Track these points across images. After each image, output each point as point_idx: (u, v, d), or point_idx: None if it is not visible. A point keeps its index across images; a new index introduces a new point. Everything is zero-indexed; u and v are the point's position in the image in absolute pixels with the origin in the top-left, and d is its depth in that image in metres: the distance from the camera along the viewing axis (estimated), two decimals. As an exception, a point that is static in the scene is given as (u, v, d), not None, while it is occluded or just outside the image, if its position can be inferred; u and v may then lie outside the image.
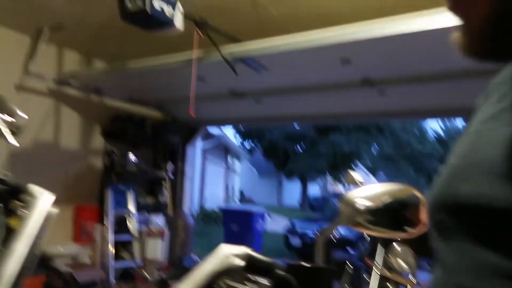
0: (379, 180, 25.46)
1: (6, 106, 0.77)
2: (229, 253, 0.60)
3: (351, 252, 3.79)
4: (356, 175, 2.14)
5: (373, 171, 24.11)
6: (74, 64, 4.51)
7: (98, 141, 4.95)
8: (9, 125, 0.76)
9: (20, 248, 0.73)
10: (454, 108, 3.51)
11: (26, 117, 0.79)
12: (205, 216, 10.52)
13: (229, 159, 14.64)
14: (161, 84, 3.82)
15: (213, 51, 2.61)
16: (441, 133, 22.69)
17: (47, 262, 3.71)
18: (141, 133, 4.89)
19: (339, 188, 22.96)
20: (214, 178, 12.64)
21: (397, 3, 2.50)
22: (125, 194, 4.76)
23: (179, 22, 2.07)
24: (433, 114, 4.05)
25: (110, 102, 4.81)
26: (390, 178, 23.08)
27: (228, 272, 0.60)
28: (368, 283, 1.91)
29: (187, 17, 2.15)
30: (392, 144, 20.14)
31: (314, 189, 22.80)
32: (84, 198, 4.83)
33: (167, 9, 1.95)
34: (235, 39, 2.70)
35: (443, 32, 1.98)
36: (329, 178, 22.29)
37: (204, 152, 10.35)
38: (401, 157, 20.74)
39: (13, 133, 0.78)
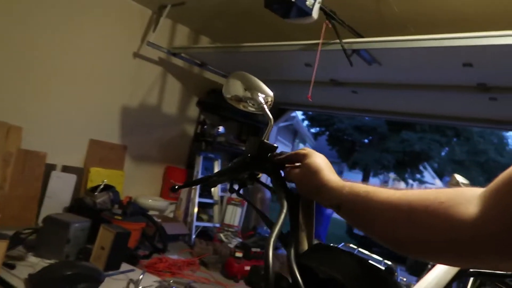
0: (445, 184, 24.28)
1: (259, 86, 0.98)
2: None
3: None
4: (461, 178, 2.17)
5: (440, 174, 23.01)
6: (183, 38, 4.89)
7: (193, 110, 5.36)
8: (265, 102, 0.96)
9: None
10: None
11: (271, 94, 0.98)
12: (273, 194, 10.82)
13: (296, 141, 14.81)
14: (262, 66, 4.04)
15: (332, 42, 2.75)
16: (524, 145, 20.95)
17: (145, 211, 4.19)
18: (233, 108, 5.19)
19: (401, 185, 22.26)
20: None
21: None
22: (213, 162, 5.14)
23: (315, 12, 2.24)
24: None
25: (210, 76, 5.17)
26: (458, 184, 21.82)
27: None
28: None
29: (321, 8, 2.31)
30: (466, 150, 19.03)
31: (374, 183, 22.31)
32: (175, 160, 5.30)
33: (309, 0, 2.13)
34: (356, 33, 2.82)
35: None
36: (392, 175, 21.70)
37: (277, 131, 10.60)
38: (474, 164, 19.52)
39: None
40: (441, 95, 3.40)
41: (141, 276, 2.90)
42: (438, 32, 2.51)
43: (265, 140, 0.87)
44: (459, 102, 3.43)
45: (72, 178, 4.30)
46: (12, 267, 2.70)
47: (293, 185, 0.81)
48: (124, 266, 3.16)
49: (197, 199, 4.75)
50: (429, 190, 0.61)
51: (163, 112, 5.07)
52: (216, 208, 4.98)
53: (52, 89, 4.04)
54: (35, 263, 2.85)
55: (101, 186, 3.96)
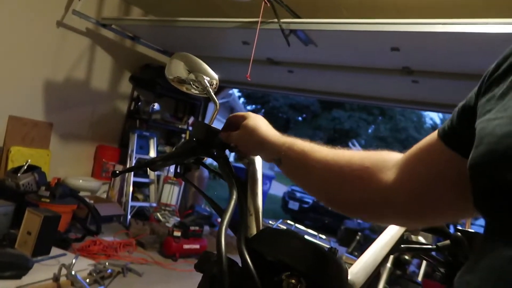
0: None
1: (204, 68, 0.96)
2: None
3: (361, 222, 4.12)
4: None
5: (365, 149, 24.64)
6: (113, 8, 4.58)
7: (126, 86, 5.11)
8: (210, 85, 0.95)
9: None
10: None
11: (217, 77, 0.97)
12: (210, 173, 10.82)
13: (232, 119, 14.86)
14: (199, 42, 3.95)
15: (270, 21, 2.77)
16: (438, 123, 23.09)
17: (75, 193, 3.98)
18: (168, 85, 5.04)
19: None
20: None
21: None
22: (148, 140, 4.99)
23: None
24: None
25: (144, 50, 4.94)
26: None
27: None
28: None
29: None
30: (390, 127, 20.50)
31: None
32: (107, 139, 5.05)
33: (248, -21, 2.11)
34: (294, 13, 2.85)
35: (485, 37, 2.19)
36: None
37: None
38: (395, 141, 21.15)
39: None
40: (370, 77, 3.61)
41: (74, 260, 2.78)
42: (369, 16, 2.63)
43: (211, 125, 0.86)
44: (385, 84, 3.67)
45: (-11, 159, 3.93)
46: None
47: (241, 169, 0.82)
48: (55, 251, 3.00)
49: (132, 179, 4.61)
50: (357, 154, 0.69)
51: (92, 87, 4.77)
52: (152, 188, 4.88)
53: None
54: (-51, 252, 2.60)
55: (25, 167, 3.67)
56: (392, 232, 0.97)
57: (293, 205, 7.36)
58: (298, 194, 7.52)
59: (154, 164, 0.90)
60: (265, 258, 0.56)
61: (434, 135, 0.57)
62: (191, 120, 5.45)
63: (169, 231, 3.81)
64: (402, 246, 0.94)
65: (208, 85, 0.92)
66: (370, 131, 21.32)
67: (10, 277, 2.44)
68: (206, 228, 4.18)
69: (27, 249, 2.83)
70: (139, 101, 5.06)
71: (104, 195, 4.84)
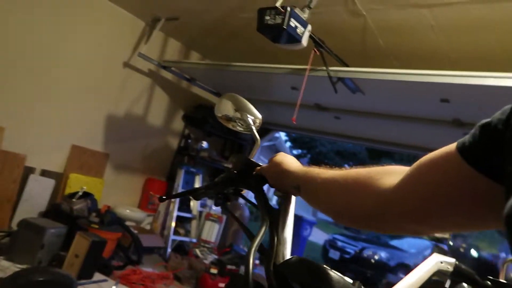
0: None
1: (249, 108, 1.05)
2: (440, 259, 0.80)
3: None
4: None
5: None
6: (174, 52, 4.97)
7: (179, 124, 5.40)
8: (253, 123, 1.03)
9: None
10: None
11: (260, 116, 1.06)
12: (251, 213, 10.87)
13: (277, 162, 14.92)
14: (250, 85, 4.14)
15: (319, 68, 2.87)
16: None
17: (122, 221, 4.15)
18: (218, 124, 5.25)
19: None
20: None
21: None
22: (194, 176, 5.16)
23: (305, 40, 2.36)
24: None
25: (198, 91, 5.24)
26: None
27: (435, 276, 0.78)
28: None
29: (311, 36, 2.42)
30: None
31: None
32: (156, 172, 5.29)
33: (300, 28, 2.24)
34: (342, 62, 2.95)
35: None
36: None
37: (260, 150, 10.70)
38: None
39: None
40: (419, 127, 3.55)
41: (114, 287, 2.87)
42: (419, 67, 2.66)
43: (250, 158, 0.93)
44: (435, 135, 3.59)
45: (50, 183, 4.24)
46: (-19, 269, 2.64)
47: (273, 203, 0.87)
48: (97, 276, 3.12)
49: (175, 213, 4.74)
50: (365, 169, 0.72)
51: (148, 123, 5.08)
52: (194, 223, 4.97)
53: (37, 91, 4.02)
54: (5, 267, 2.80)
55: (80, 193, 3.92)
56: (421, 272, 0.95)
57: (334, 255, 7.10)
58: (339, 243, 7.26)
59: (196, 192, 0.97)
60: (290, 283, 0.59)
61: (451, 147, 0.58)
62: (237, 159, 5.58)
63: (206, 267, 3.82)
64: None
65: (252, 123, 1.00)
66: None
67: (55, 296, 2.56)
68: (242, 268, 4.15)
69: (73, 271, 2.97)
70: (189, 138, 5.30)
71: (148, 227, 4.99)
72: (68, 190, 4.22)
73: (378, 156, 16.51)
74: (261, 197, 0.82)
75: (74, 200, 3.87)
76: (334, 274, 0.62)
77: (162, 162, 5.37)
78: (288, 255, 0.74)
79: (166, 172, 5.38)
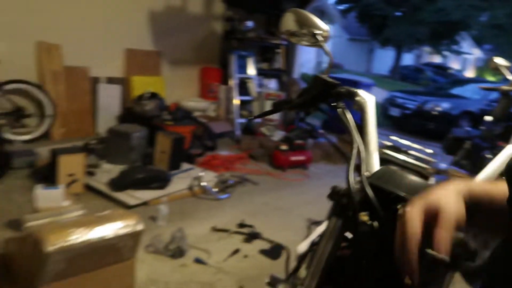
0: (485, 52, 23.13)
1: (315, 22, 1.02)
2: None
3: (470, 129, 3.93)
4: (500, 60, 2.17)
5: (479, 42, 21.73)
6: None
7: (219, 6, 5.20)
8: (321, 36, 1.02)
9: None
10: None
11: (327, 28, 1.03)
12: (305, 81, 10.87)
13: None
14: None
15: None
16: None
17: (190, 114, 4.45)
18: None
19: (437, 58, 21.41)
20: (307, 43, 12.43)
21: None
22: (245, 59, 5.17)
23: None
24: None
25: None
26: (497, 50, 20.78)
27: None
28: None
29: None
30: (509, 12, 17.51)
31: (407, 59, 21.57)
32: (208, 60, 5.36)
33: None
34: None
35: None
36: (427, 48, 20.69)
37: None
38: (515, 28, 18.21)
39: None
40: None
41: (202, 173, 3.26)
42: None
43: (327, 77, 0.95)
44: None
45: (117, 89, 4.52)
46: (93, 174, 3.10)
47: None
48: (184, 166, 3.53)
49: (237, 97, 4.92)
50: None
51: (188, 12, 4.96)
52: (255, 104, 5.17)
53: (80, 5, 4.03)
54: (109, 169, 3.25)
55: (147, 95, 4.17)
56: (509, 152, 1.00)
57: (394, 112, 7.13)
58: (399, 100, 7.20)
59: (277, 109, 1.06)
60: (383, 192, 0.69)
61: None
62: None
63: (276, 145, 4.12)
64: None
65: (321, 38, 0.99)
66: (483, 19, 18.55)
67: (157, 188, 3.00)
68: (310, 141, 4.41)
69: (163, 165, 3.38)
70: (233, 20, 5.15)
71: (213, 114, 5.29)
72: (134, 93, 4.50)
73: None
74: (344, 114, 0.88)
75: (144, 102, 4.15)
76: (416, 178, 0.71)
77: (212, 49, 5.37)
78: (375, 165, 0.83)
79: (218, 59, 5.43)
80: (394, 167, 0.84)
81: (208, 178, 3.27)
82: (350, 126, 0.84)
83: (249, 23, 5.17)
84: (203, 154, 4.04)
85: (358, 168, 0.80)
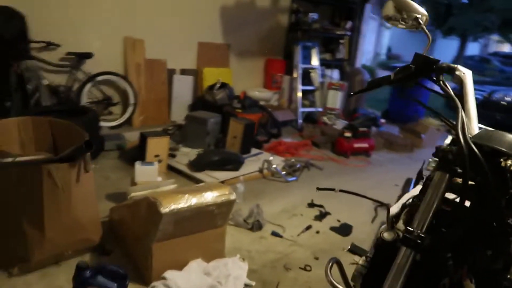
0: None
1: (415, 7, 1.17)
2: None
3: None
4: None
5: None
6: None
7: (285, 0, 5.37)
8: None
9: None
10: None
11: (426, 13, 1.17)
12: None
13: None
14: None
15: None
16: None
17: (257, 102, 4.69)
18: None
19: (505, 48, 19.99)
20: (368, 33, 12.23)
21: None
22: (310, 50, 5.31)
23: None
24: None
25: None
26: None
27: None
28: None
29: None
30: None
31: (472, 49, 20.37)
32: (273, 52, 5.57)
33: None
34: None
35: None
36: (494, 37, 19.37)
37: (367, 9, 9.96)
38: None
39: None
40: None
41: (271, 157, 3.49)
42: None
43: (428, 55, 1.10)
44: None
45: (190, 79, 4.88)
46: (174, 156, 3.45)
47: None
48: (253, 151, 3.78)
49: (300, 87, 5.10)
50: None
51: (256, 6, 5.18)
52: (317, 94, 5.31)
53: (161, 4, 4.41)
54: (187, 152, 3.58)
55: (218, 85, 4.47)
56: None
57: (459, 103, 6.88)
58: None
59: (379, 84, 1.21)
60: (483, 149, 0.83)
61: None
62: (348, 25, 5.48)
63: (340, 132, 4.25)
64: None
65: (422, 22, 1.15)
66: None
67: (231, 169, 3.27)
68: (373, 128, 4.49)
69: (235, 149, 3.65)
70: (298, 13, 5.30)
71: (276, 103, 5.51)
72: (205, 83, 4.83)
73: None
74: (446, 87, 1.03)
75: (215, 91, 4.46)
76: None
77: (277, 41, 5.57)
78: (475, 128, 0.97)
79: (282, 51, 5.62)
80: (492, 129, 0.98)
81: (276, 162, 3.49)
82: (453, 95, 0.99)
83: (314, 15, 5.30)
84: (269, 141, 4.28)
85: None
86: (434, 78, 1.10)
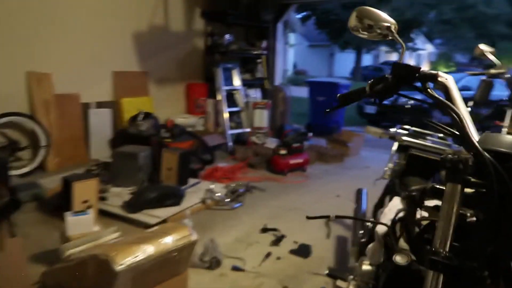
0: (435, 46, 24.46)
1: (382, 17, 1.14)
2: None
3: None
4: (484, 47, 2.35)
5: (430, 38, 22.95)
6: None
7: (199, 23, 5.30)
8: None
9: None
10: None
11: (394, 21, 1.14)
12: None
13: (286, 31, 14.51)
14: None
15: None
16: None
17: (185, 130, 4.48)
18: (237, 13, 5.14)
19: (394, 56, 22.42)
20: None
21: None
22: (230, 71, 5.28)
23: None
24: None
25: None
26: (447, 44, 22.03)
27: None
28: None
29: None
30: (455, 8, 18.64)
31: (366, 60, 22.46)
32: (192, 76, 5.43)
33: None
34: None
35: None
36: (383, 48, 21.64)
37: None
38: (462, 21, 19.34)
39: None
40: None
41: (212, 186, 3.32)
42: None
43: (403, 63, 1.07)
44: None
45: (107, 112, 4.50)
46: (104, 199, 3.08)
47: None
48: (190, 181, 3.57)
49: (226, 109, 5.01)
50: None
51: (171, 31, 5.03)
52: (243, 114, 5.27)
53: (68, 33, 4.02)
54: (119, 192, 3.23)
55: (141, 115, 4.19)
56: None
57: (370, 109, 7.44)
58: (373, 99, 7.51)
59: (355, 99, 1.16)
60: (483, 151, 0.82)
61: None
62: (264, 44, 5.59)
63: (275, 150, 4.23)
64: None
65: (393, 30, 1.12)
66: (431, 16, 19.64)
67: (172, 205, 3.02)
68: (306, 143, 4.56)
69: (172, 182, 3.41)
70: (213, 35, 5.26)
71: (201, 128, 5.34)
72: (126, 115, 4.49)
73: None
74: (432, 93, 1.00)
75: (138, 122, 4.16)
76: None
77: (196, 65, 5.45)
78: (472, 128, 0.95)
79: (202, 74, 5.50)
80: (491, 133, 0.96)
81: (217, 190, 3.33)
82: (446, 102, 0.96)
83: (229, 36, 5.30)
84: (203, 168, 4.09)
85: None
86: (417, 86, 1.07)
